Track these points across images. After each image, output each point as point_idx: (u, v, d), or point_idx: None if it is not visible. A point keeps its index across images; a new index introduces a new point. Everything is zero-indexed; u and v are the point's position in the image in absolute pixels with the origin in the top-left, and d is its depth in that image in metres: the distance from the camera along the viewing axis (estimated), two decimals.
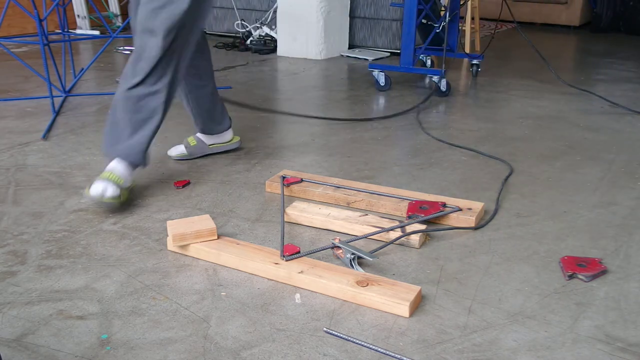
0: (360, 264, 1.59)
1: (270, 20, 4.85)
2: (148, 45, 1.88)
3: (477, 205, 1.90)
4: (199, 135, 2.39)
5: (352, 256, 1.58)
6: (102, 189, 1.85)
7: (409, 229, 1.74)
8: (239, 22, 4.97)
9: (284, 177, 2.09)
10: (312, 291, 1.48)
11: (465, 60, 4.19)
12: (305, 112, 3.11)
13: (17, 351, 1.27)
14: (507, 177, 2.24)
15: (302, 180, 2.07)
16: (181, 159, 2.36)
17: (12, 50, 4.33)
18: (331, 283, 1.47)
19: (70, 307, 1.42)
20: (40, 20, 2.93)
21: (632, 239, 1.78)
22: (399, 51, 4.03)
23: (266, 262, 1.55)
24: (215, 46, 4.82)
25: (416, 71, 3.54)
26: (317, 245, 1.71)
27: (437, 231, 1.79)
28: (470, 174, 2.28)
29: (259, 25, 4.84)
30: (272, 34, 4.73)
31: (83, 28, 5.46)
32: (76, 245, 1.70)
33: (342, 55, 4.57)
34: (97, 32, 5.28)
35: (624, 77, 4.03)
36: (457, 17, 3.80)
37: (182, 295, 1.47)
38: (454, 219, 1.84)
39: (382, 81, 3.51)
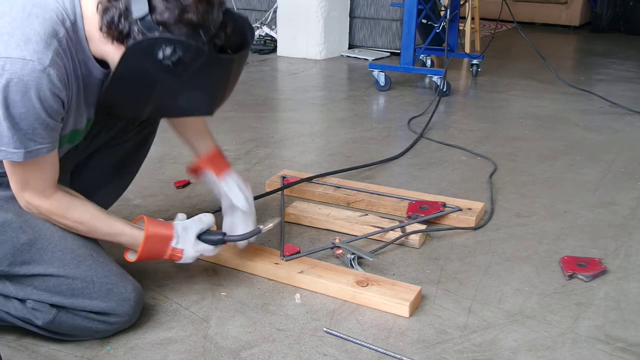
0: (360, 264, 1.58)
1: (270, 20, 4.85)
2: None
3: (477, 205, 1.89)
4: None
5: (352, 256, 1.58)
6: None
7: (409, 229, 1.74)
8: None
9: (284, 177, 2.09)
10: (312, 291, 1.48)
11: (465, 60, 4.18)
12: (305, 111, 3.11)
13: (17, 351, 1.27)
14: (492, 174, 2.24)
15: (302, 180, 2.06)
16: None
17: None
18: (331, 283, 1.47)
19: None
20: None
21: (632, 239, 1.78)
22: (399, 51, 4.02)
23: (266, 262, 1.55)
24: None
25: (416, 71, 3.54)
26: (317, 245, 1.71)
27: (437, 231, 1.79)
28: (470, 174, 2.28)
29: (259, 25, 4.83)
30: (272, 34, 4.73)
31: None
32: None
33: (342, 55, 4.57)
34: None
35: (624, 77, 4.02)
36: (457, 17, 3.80)
37: (182, 295, 1.47)
38: (454, 219, 1.84)
39: (382, 81, 3.51)
